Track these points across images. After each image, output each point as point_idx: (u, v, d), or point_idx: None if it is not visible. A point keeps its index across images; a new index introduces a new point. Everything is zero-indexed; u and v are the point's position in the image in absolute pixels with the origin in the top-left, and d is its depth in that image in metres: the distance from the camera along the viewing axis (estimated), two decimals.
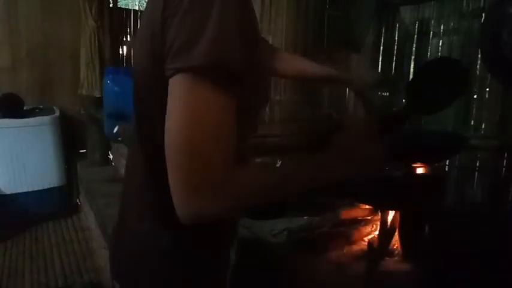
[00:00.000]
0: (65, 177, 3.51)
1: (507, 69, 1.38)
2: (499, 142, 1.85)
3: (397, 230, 1.50)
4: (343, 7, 2.34)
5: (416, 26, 2.28)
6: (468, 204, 1.96)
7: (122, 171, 3.17)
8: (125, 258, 0.78)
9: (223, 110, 0.55)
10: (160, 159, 0.56)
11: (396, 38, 2.41)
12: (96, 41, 3.49)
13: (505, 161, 1.86)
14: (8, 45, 3.49)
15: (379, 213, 1.60)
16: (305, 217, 1.63)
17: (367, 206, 1.69)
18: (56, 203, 3.44)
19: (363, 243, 1.60)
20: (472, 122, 2.02)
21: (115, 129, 3.06)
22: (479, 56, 1.88)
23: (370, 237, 1.65)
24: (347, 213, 1.67)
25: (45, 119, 3.36)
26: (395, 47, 2.41)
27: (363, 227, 1.66)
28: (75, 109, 3.73)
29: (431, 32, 2.20)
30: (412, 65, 2.35)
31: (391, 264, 1.42)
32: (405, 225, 1.47)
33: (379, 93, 1.22)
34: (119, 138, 3.16)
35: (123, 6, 4.71)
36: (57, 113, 3.47)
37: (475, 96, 2.03)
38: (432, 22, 2.20)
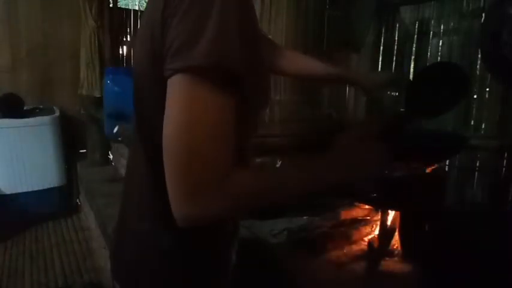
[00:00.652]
0: (65, 177, 3.51)
1: (507, 69, 1.38)
2: (499, 142, 1.85)
3: (397, 230, 1.50)
4: (343, 7, 2.34)
5: (416, 26, 2.28)
6: (468, 204, 1.96)
7: (122, 171, 3.18)
8: (125, 258, 0.78)
9: (223, 110, 0.55)
10: (160, 159, 0.56)
11: (396, 38, 2.41)
12: (96, 41, 3.49)
13: (505, 161, 1.86)
14: (8, 45, 3.49)
15: (379, 213, 1.60)
16: (305, 217, 1.63)
17: (367, 206, 1.69)
18: (56, 203, 3.44)
19: (363, 243, 1.60)
20: (472, 122, 2.02)
21: (115, 129, 3.06)
22: (479, 56, 1.88)
23: (370, 237, 1.65)
24: (347, 213, 1.67)
25: (45, 119, 3.36)
26: (395, 47, 2.41)
27: (363, 227, 1.66)
28: (75, 109, 3.73)
29: (431, 32, 2.20)
30: (412, 65, 2.35)
31: (391, 264, 1.41)
32: (405, 225, 1.47)
33: (389, 93, 1.21)
34: (119, 138, 3.15)
35: (123, 6, 4.71)
36: (57, 113, 3.47)
37: (475, 96, 2.03)
38: (432, 22, 2.20)
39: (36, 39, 3.59)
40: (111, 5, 3.75)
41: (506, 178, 1.83)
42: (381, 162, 0.76)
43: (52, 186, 3.40)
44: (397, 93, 1.16)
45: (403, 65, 2.34)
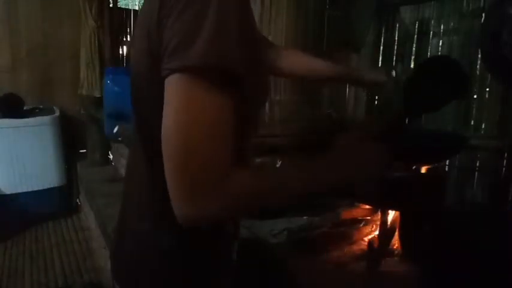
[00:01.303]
0: (65, 177, 3.51)
1: (507, 69, 1.38)
2: (499, 142, 1.85)
3: (397, 230, 1.50)
4: (343, 7, 2.34)
5: (416, 26, 2.28)
6: (468, 204, 1.96)
7: (122, 171, 3.17)
8: (125, 258, 0.78)
9: (221, 110, 0.55)
10: (160, 159, 0.56)
11: (396, 38, 2.41)
12: (96, 41, 3.49)
13: (505, 161, 1.86)
14: (8, 45, 3.49)
15: (379, 213, 1.60)
16: (305, 217, 1.63)
17: (367, 206, 1.69)
18: (56, 203, 3.44)
19: (363, 243, 1.60)
20: (472, 122, 2.02)
21: (115, 129, 3.06)
22: (479, 56, 1.88)
23: (370, 237, 1.65)
24: (347, 213, 1.67)
25: (45, 119, 3.36)
26: (395, 47, 2.41)
27: (363, 227, 1.66)
28: (75, 109, 3.73)
29: (431, 32, 2.20)
30: (412, 65, 2.35)
31: (391, 264, 1.41)
32: (405, 225, 1.47)
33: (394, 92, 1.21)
34: (119, 138, 3.15)
35: (123, 6, 4.71)
36: (57, 113, 3.47)
37: (475, 96, 2.03)
38: (432, 22, 2.20)
39: (36, 39, 3.59)
40: (111, 5, 3.75)
41: (506, 178, 1.83)
42: (381, 163, 0.76)
43: (52, 186, 3.40)
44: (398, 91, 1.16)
45: (403, 65, 2.34)
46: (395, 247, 1.51)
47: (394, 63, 2.40)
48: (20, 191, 3.25)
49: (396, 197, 1.44)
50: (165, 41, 0.56)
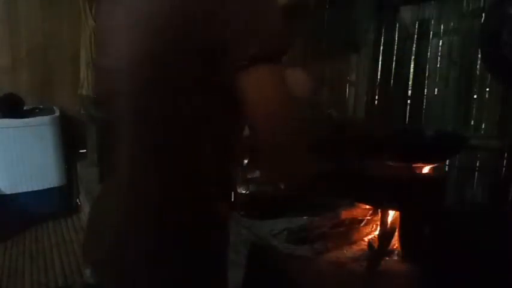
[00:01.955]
0: (65, 177, 3.51)
1: (507, 69, 1.38)
2: (499, 142, 1.85)
3: (397, 230, 1.50)
4: (343, 7, 2.34)
5: (417, 26, 2.28)
6: (468, 204, 1.96)
7: None
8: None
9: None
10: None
11: (396, 38, 2.40)
12: None
13: (505, 161, 1.85)
14: (8, 45, 3.49)
15: (379, 213, 1.60)
16: (305, 217, 1.63)
17: (367, 206, 1.68)
18: (56, 203, 3.44)
19: (363, 243, 1.60)
20: (472, 122, 2.02)
21: None
22: (479, 56, 1.87)
23: (370, 237, 1.65)
24: (347, 213, 1.67)
25: (45, 119, 3.36)
26: (395, 47, 2.41)
27: (363, 227, 1.66)
28: (75, 109, 3.72)
29: (431, 32, 2.20)
30: (412, 65, 2.35)
31: (391, 264, 1.41)
32: (405, 225, 1.47)
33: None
34: None
35: None
36: (57, 113, 3.47)
37: (475, 96, 2.02)
38: (432, 22, 2.19)
39: (36, 39, 3.59)
40: None
41: (506, 178, 1.83)
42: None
43: (52, 186, 3.40)
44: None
45: (402, 65, 2.34)
46: (395, 247, 1.51)
47: (394, 65, 2.41)
48: (20, 191, 3.25)
49: (396, 197, 1.44)
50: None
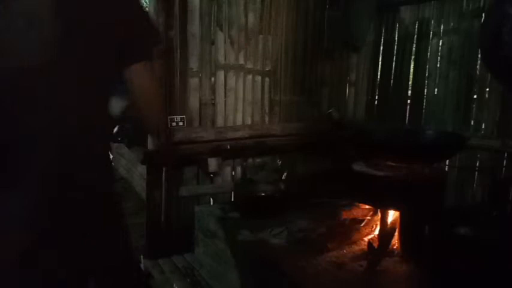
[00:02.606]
0: None
1: (507, 69, 1.38)
2: (499, 142, 1.86)
3: (397, 230, 1.50)
4: (343, 7, 2.34)
5: (416, 26, 2.28)
6: (468, 204, 1.96)
7: (122, 171, 3.18)
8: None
9: None
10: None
11: (396, 38, 2.40)
12: None
13: (505, 161, 1.86)
14: None
15: (379, 213, 1.60)
16: (305, 217, 1.63)
17: (367, 206, 1.69)
18: None
19: (363, 243, 1.60)
20: (472, 122, 2.02)
21: (115, 129, 3.07)
22: (479, 56, 1.88)
23: (370, 237, 1.65)
24: (347, 213, 1.68)
25: None
26: (395, 47, 2.41)
27: (363, 227, 1.66)
28: None
29: (431, 32, 2.20)
30: (412, 65, 2.35)
31: (391, 264, 1.41)
32: (405, 225, 1.47)
33: None
34: (119, 138, 3.16)
35: None
36: None
37: (475, 96, 2.03)
38: (432, 22, 2.20)
39: None
40: None
41: (506, 178, 1.83)
42: None
43: None
44: None
45: (402, 65, 2.33)
46: (395, 247, 1.51)
47: (393, 65, 2.41)
48: None
49: (396, 197, 1.44)
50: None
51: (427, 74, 2.23)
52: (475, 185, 1.99)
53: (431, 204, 1.44)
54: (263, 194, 1.70)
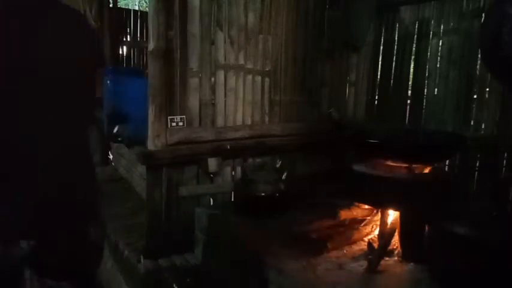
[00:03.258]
0: None
1: (507, 69, 1.38)
2: (499, 142, 1.86)
3: (397, 230, 1.50)
4: (343, 7, 2.34)
5: (416, 26, 2.28)
6: (468, 204, 1.96)
7: (121, 171, 3.18)
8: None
9: None
10: None
11: (396, 38, 2.40)
12: None
13: (505, 161, 1.86)
14: None
15: (379, 213, 1.60)
16: (305, 217, 1.63)
17: (367, 206, 1.69)
18: None
19: (363, 243, 1.60)
20: (472, 122, 2.02)
21: (115, 129, 3.06)
22: (479, 56, 1.87)
23: (370, 237, 1.65)
24: (347, 213, 1.67)
25: None
26: (395, 47, 2.41)
27: (363, 227, 1.66)
28: None
29: (431, 32, 2.20)
30: (412, 65, 2.35)
31: (391, 264, 1.41)
32: (405, 225, 1.47)
33: None
34: (119, 139, 3.15)
35: (123, 6, 4.71)
36: None
37: (475, 96, 2.03)
38: (432, 22, 2.20)
39: None
40: (111, 5, 3.75)
41: (506, 178, 1.83)
42: None
43: None
44: None
45: (402, 65, 2.34)
46: (395, 247, 1.51)
47: (393, 65, 2.41)
48: None
49: (396, 197, 1.44)
50: None
51: (427, 74, 2.23)
52: (475, 185, 1.99)
53: (431, 204, 1.44)
54: (263, 194, 1.70)
